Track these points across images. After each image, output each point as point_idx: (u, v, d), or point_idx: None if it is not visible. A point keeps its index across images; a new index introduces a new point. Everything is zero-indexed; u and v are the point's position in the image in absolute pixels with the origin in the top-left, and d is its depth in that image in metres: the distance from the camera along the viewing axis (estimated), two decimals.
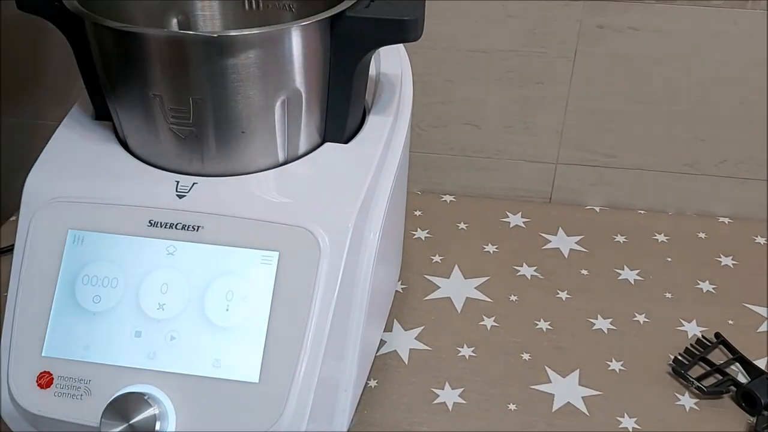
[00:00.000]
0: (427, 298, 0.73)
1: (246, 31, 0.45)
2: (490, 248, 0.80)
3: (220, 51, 0.45)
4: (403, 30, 0.50)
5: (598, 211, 0.86)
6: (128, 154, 0.53)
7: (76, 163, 0.52)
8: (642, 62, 0.77)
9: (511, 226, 0.84)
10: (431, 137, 0.85)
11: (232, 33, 0.45)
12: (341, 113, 0.53)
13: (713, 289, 0.75)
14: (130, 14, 0.57)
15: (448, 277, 0.76)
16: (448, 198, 0.88)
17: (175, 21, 0.60)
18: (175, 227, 0.49)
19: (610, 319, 0.71)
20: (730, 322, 0.71)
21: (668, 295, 0.74)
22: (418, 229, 0.83)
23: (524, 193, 0.88)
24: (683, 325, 0.70)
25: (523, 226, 0.84)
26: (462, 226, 0.84)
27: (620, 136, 0.82)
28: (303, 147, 0.54)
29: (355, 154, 0.54)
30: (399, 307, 0.71)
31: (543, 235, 0.82)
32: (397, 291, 0.73)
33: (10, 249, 0.78)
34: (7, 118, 0.91)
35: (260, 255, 0.48)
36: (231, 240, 0.49)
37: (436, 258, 0.78)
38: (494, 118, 0.83)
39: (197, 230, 0.49)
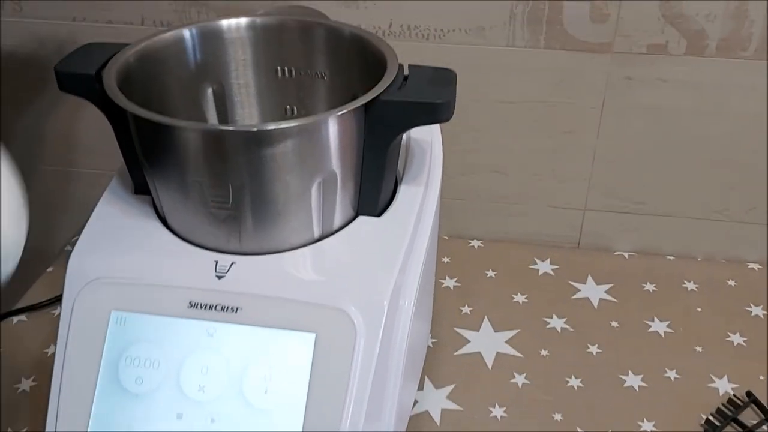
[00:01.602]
0: (457, 353, 0.73)
1: (283, 124, 0.46)
2: (520, 298, 0.80)
3: (258, 143, 0.46)
4: (435, 112, 0.50)
5: (626, 257, 0.86)
6: (168, 231, 0.54)
7: (117, 242, 0.54)
8: (671, 112, 0.77)
9: (540, 273, 0.84)
10: (458, 183, 0.86)
11: (271, 127, 0.46)
12: (374, 188, 0.54)
13: (744, 341, 0.75)
14: (166, 87, 0.59)
15: (478, 330, 0.76)
16: (475, 243, 0.89)
17: (210, 90, 0.61)
18: (215, 308, 0.50)
19: (641, 376, 0.71)
20: (761, 377, 0.71)
21: (698, 348, 0.74)
22: (447, 277, 0.83)
23: (552, 239, 0.88)
24: (714, 382, 0.70)
25: (552, 273, 0.84)
26: (490, 273, 0.84)
27: (649, 183, 0.82)
28: (337, 222, 0.54)
29: (388, 226, 0.55)
30: (430, 363, 0.72)
31: (572, 283, 0.82)
32: (428, 346, 0.74)
33: (53, 301, 0.79)
34: (43, 165, 0.93)
35: (297, 336, 0.49)
36: (269, 322, 0.50)
37: (466, 309, 0.79)
38: (521, 166, 0.84)
39: (236, 312, 0.50)
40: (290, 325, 0.49)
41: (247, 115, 0.63)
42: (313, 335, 0.49)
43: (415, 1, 0.74)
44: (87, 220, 0.56)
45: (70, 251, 0.87)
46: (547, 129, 0.80)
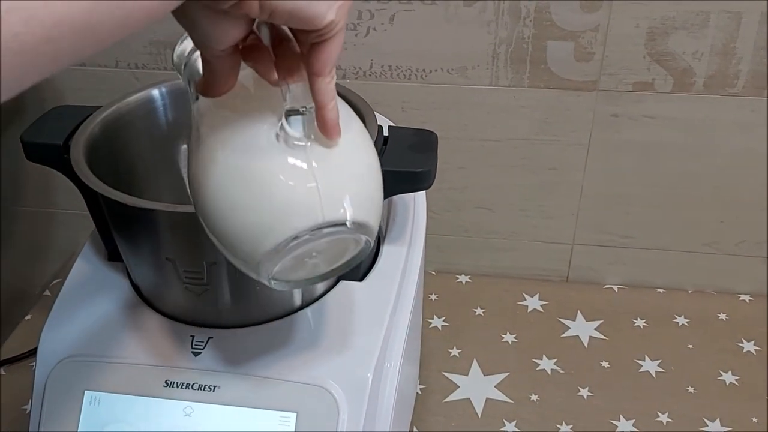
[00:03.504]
0: (446, 400, 0.72)
1: None
2: (509, 338, 0.79)
3: None
4: (417, 181, 0.49)
5: (616, 290, 0.85)
6: (142, 303, 0.53)
7: (90, 316, 0.52)
8: (658, 148, 0.76)
9: (528, 310, 0.83)
10: (445, 220, 0.84)
11: None
12: None
13: (736, 380, 0.74)
14: (138, 148, 0.57)
15: (467, 374, 0.75)
16: (463, 279, 0.87)
17: (185, 147, 0.60)
18: (192, 387, 0.49)
19: (633, 420, 0.69)
20: (754, 419, 0.70)
21: (691, 389, 0.73)
22: (435, 317, 0.82)
23: (541, 273, 0.87)
24: (707, 425, 0.69)
25: (541, 309, 0.83)
26: (479, 311, 0.83)
27: (637, 218, 0.81)
28: (319, 289, 0.53)
29: (371, 291, 0.54)
30: (419, 412, 0.70)
31: (561, 320, 0.81)
32: (416, 393, 0.72)
33: (32, 352, 0.77)
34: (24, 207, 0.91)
35: (278, 416, 0.48)
36: (248, 401, 0.48)
37: (454, 351, 0.77)
38: (508, 202, 0.82)
39: (213, 390, 0.48)
40: (270, 405, 0.48)
41: None
42: (294, 414, 0.48)
43: (395, 42, 0.73)
44: (60, 289, 0.54)
45: (49, 296, 0.86)
46: (533, 166, 0.79)
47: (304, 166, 0.35)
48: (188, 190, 0.38)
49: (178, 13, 0.33)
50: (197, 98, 0.39)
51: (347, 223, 0.36)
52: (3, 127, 0.84)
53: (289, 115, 0.35)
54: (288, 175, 0.35)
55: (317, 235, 0.35)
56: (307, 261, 0.37)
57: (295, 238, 0.35)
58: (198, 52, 0.39)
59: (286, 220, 0.35)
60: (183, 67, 0.41)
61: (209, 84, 0.37)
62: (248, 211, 0.35)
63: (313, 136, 0.35)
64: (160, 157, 0.58)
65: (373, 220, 0.37)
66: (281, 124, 0.35)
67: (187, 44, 0.40)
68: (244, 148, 0.35)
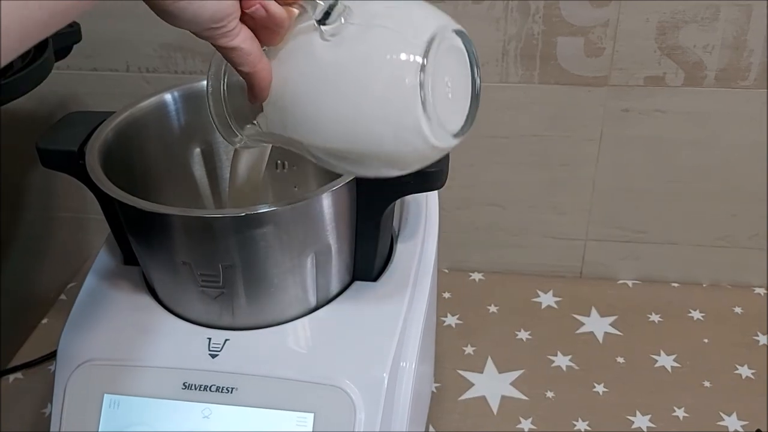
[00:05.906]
0: (461, 398, 0.72)
1: (275, 207, 0.45)
2: (523, 335, 0.79)
3: (248, 226, 0.45)
4: (428, 181, 0.49)
5: (630, 285, 0.85)
6: (158, 305, 0.53)
7: (108, 320, 0.52)
8: (670, 143, 0.76)
9: (542, 306, 0.83)
10: (456, 217, 0.84)
11: (260, 210, 0.44)
12: (369, 254, 0.53)
13: (752, 374, 0.73)
14: (152, 152, 0.57)
15: (482, 372, 0.75)
16: (476, 276, 0.87)
17: (198, 151, 0.60)
18: (210, 389, 0.49)
19: (649, 416, 0.69)
20: None
21: (707, 383, 0.73)
22: (448, 315, 0.82)
23: (554, 269, 0.86)
24: (723, 420, 0.69)
25: (555, 306, 0.83)
26: (492, 309, 0.83)
27: (650, 213, 0.81)
28: (334, 289, 0.53)
29: (386, 291, 0.54)
30: (434, 410, 0.71)
31: (576, 316, 0.81)
32: (431, 391, 0.73)
33: (49, 356, 0.77)
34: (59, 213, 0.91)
35: (295, 417, 0.48)
36: (265, 402, 0.48)
37: (469, 349, 0.78)
38: (519, 199, 0.82)
39: (231, 392, 0.49)
40: (288, 405, 0.48)
41: None
42: (312, 415, 0.48)
43: None
44: (77, 293, 0.55)
45: (64, 300, 0.86)
46: (545, 162, 0.79)
47: (367, 29, 0.37)
48: (308, 149, 0.41)
49: (170, 15, 0.35)
50: (254, 122, 0.42)
51: (445, 29, 0.38)
52: (31, 137, 0.84)
53: (325, 19, 0.37)
54: (365, 48, 0.37)
55: (438, 48, 0.37)
56: (448, 94, 0.40)
57: (423, 66, 0.36)
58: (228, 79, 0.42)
59: (403, 69, 0.36)
60: (224, 104, 0.44)
61: (256, 79, 0.39)
62: (370, 100, 0.37)
63: (346, 17, 0.37)
64: (174, 162, 0.59)
65: (454, 21, 0.40)
66: (320, 30, 0.37)
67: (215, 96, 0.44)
68: (309, 72, 0.38)
